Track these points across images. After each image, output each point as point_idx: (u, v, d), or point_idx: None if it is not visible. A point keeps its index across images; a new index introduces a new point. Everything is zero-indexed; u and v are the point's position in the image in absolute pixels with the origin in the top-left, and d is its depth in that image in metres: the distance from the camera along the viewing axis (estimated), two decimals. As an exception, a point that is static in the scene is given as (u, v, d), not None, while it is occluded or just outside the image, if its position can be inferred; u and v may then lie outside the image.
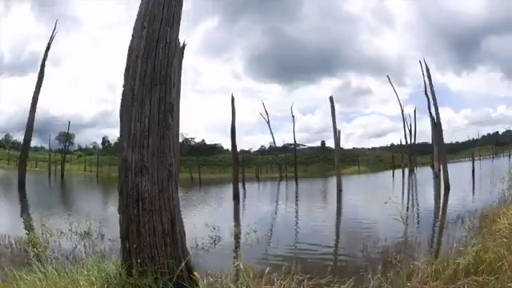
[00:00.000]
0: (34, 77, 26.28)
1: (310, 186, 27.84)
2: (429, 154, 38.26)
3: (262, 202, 20.22)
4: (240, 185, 23.06)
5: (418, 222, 11.48)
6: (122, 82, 4.68)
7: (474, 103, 77.40)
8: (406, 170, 38.66)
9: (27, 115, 25.77)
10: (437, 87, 26.76)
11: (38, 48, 73.84)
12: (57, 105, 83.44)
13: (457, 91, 69.93)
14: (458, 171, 26.33)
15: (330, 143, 50.12)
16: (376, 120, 77.80)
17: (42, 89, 25.86)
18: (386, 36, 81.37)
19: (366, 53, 68.70)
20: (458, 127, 67.01)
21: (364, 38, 72.96)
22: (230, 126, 20.57)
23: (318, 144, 58.19)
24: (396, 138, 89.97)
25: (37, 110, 25.98)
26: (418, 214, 13.62)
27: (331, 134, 24.32)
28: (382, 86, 79.41)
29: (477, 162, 31.24)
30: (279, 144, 47.83)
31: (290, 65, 67.21)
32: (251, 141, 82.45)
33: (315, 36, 65.68)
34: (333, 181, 24.82)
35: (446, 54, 73.85)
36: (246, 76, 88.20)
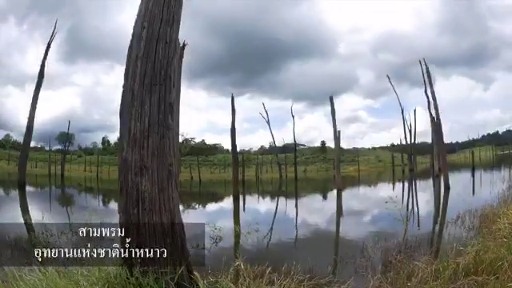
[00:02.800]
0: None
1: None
2: (428, 153, 38.27)
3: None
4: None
5: (418, 222, 11.48)
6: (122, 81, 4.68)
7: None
8: (407, 172, 38.52)
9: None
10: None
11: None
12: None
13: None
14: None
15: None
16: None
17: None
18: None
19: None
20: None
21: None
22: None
23: (318, 144, 58.20)
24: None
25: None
26: (418, 213, 13.61)
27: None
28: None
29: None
30: (279, 144, 47.70)
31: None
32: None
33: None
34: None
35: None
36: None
